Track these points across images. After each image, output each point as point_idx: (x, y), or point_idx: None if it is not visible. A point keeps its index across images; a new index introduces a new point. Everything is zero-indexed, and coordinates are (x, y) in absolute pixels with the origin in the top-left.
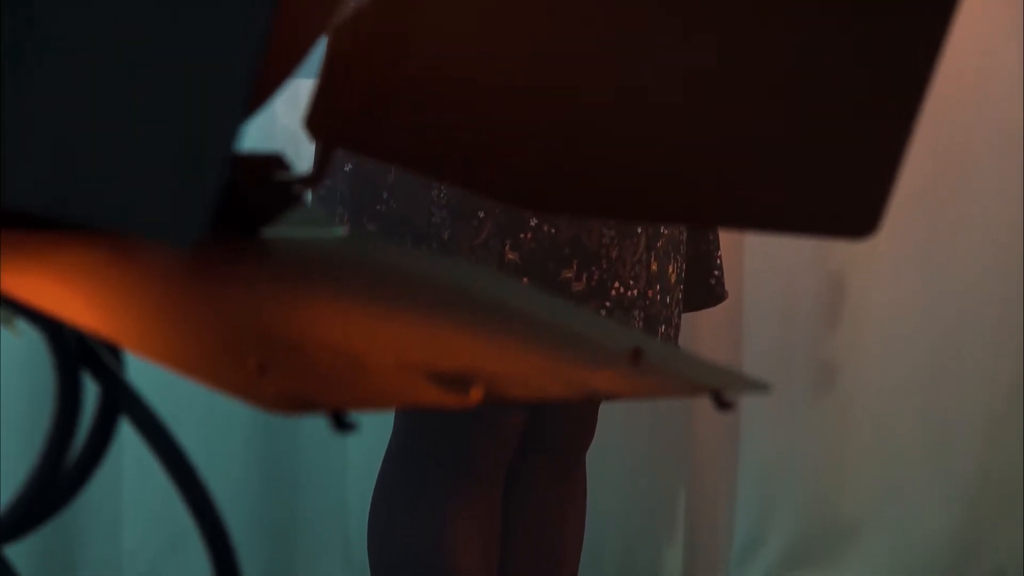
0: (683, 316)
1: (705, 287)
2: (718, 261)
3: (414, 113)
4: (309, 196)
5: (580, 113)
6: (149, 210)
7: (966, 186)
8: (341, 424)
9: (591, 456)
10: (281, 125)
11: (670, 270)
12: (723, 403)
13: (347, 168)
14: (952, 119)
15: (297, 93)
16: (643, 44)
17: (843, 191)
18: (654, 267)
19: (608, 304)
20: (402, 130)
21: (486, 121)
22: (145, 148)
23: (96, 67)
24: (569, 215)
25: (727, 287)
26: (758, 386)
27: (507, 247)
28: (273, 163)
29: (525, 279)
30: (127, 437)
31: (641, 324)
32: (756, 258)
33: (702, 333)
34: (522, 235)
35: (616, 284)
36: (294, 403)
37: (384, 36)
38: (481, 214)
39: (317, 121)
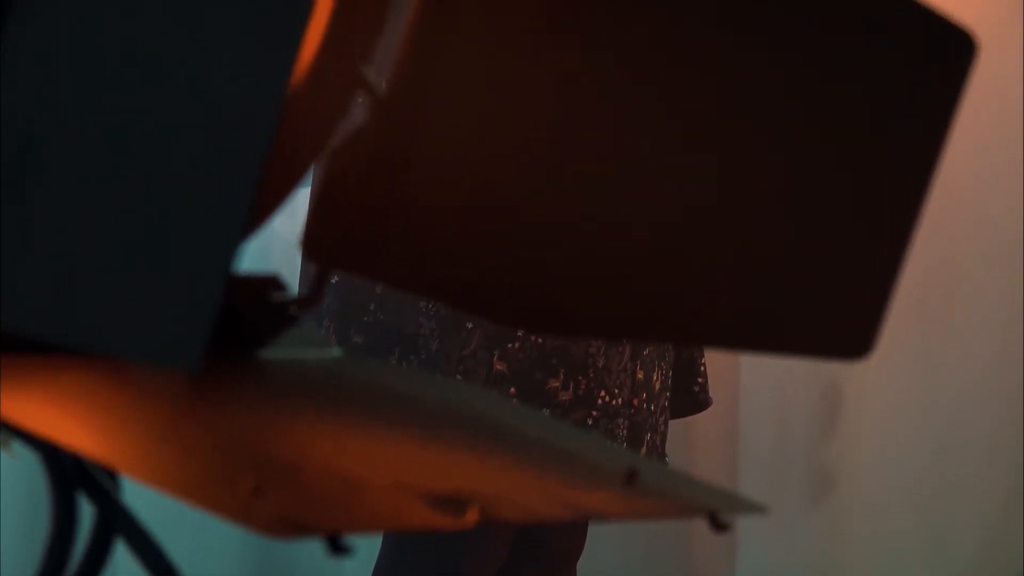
0: (679, 424)
1: (689, 395)
2: (702, 368)
3: (409, 236)
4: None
5: (575, 237)
6: (148, 335)
7: (961, 293)
8: (337, 547)
9: (583, 564)
10: (279, 235)
11: (655, 378)
12: (719, 524)
13: (334, 280)
14: (945, 225)
15: (295, 204)
16: (640, 169)
17: (837, 313)
18: (640, 375)
19: (594, 413)
20: (397, 252)
21: (481, 244)
22: (144, 274)
23: (95, 193)
24: (560, 335)
25: (722, 394)
26: (754, 507)
27: (495, 357)
28: (270, 284)
29: (513, 389)
30: (122, 553)
31: (626, 432)
32: (751, 366)
33: (698, 440)
34: (510, 345)
35: (602, 393)
36: (289, 526)
37: (381, 159)
38: (469, 325)
39: (313, 243)
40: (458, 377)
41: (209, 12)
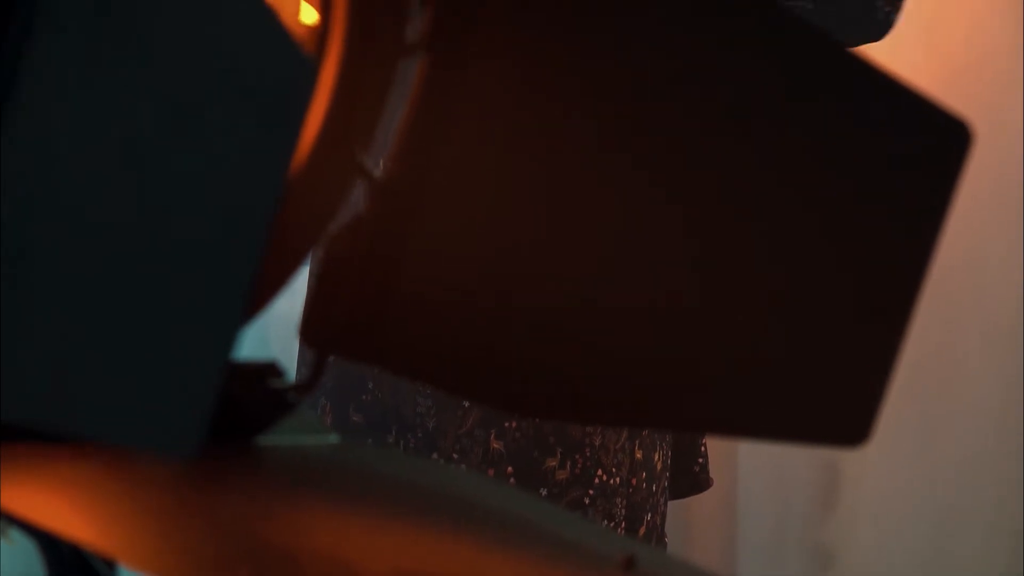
0: (677, 502)
1: (689, 475)
2: (703, 449)
3: (407, 323)
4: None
5: (573, 326)
6: (146, 424)
7: (958, 373)
8: None
9: None
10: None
11: (656, 458)
12: None
13: (330, 359)
14: (943, 306)
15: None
16: (639, 259)
17: (834, 401)
18: (638, 455)
19: (591, 492)
20: (395, 339)
21: (478, 332)
22: (142, 363)
23: (93, 283)
24: (557, 420)
25: (721, 472)
26: None
27: (492, 436)
28: (268, 371)
29: (510, 468)
30: None
31: (624, 511)
32: (750, 445)
33: (697, 520)
34: (507, 424)
35: (599, 472)
36: None
37: (379, 246)
38: (466, 403)
39: (311, 328)
40: (454, 456)
41: (208, 104)
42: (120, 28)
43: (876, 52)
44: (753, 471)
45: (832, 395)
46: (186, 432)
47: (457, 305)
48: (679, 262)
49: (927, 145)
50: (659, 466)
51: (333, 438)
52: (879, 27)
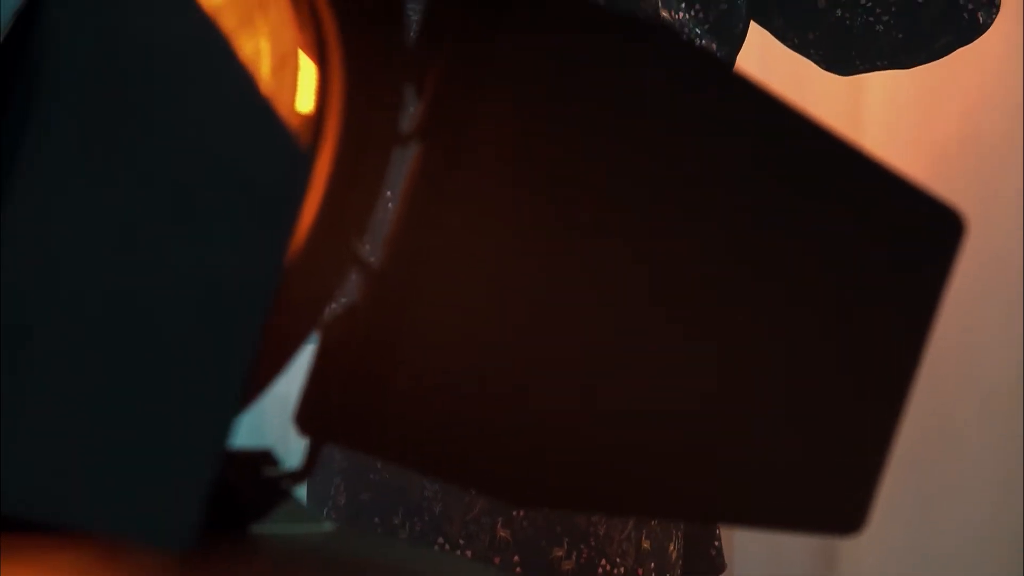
0: None
1: (706, 559)
2: (718, 531)
3: (403, 412)
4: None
5: (570, 417)
6: (140, 516)
7: (956, 451)
8: None
9: None
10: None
11: (671, 548)
12: None
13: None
14: (938, 377)
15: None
16: (636, 351)
17: (829, 490)
18: (646, 545)
19: None
20: (390, 428)
21: (475, 422)
22: (136, 453)
23: (89, 371)
24: (555, 510)
25: None
26: None
27: (499, 524)
28: (263, 459)
29: (516, 556)
30: None
31: None
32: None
33: None
34: (514, 513)
35: (603, 562)
36: None
37: (374, 335)
38: (473, 490)
39: (306, 416)
40: (461, 542)
41: (204, 193)
42: (117, 118)
43: (872, 128)
44: (748, 556)
45: (827, 485)
46: (181, 524)
47: (454, 393)
48: (679, 356)
49: (920, 234)
50: (673, 555)
51: (327, 526)
52: (970, 29)
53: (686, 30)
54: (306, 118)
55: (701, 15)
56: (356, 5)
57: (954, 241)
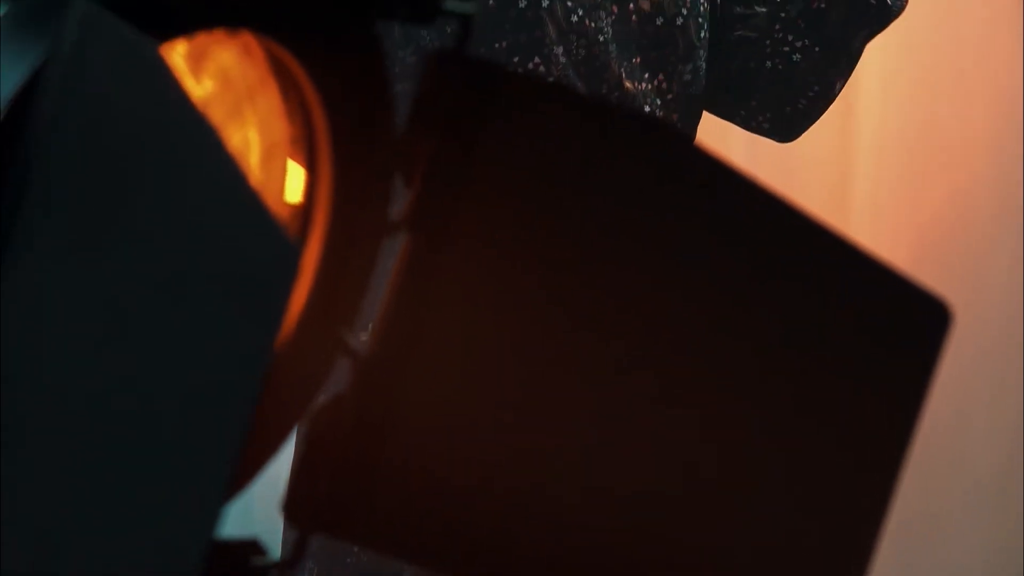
0: None
1: None
2: None
3: (389, 502)
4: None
5: (557, 505)
6: None
7: (942, 530)
8: None
9: None
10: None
11: None
12: None
13: None
14: (925, 463)
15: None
16: (622, 440)
17: (820, 569)
18: None
19: None
20: (377, 518)
21: (461, 512)
22: (124, 542)
23: (77, 458)
24: None
25: None
26: None
27: None
28: (250, 549)
29: None
30: None
31: None
32: None
33: None
34: None
35: None
36: None
37: (362, 424)
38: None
39: (295, 506)
40: None
41: (193, 284)
42: (108, 208)
43: (858, 208)
44: None
45: (819, 567)
46: None
47: (441, 483)
48: (665, 443)
49: (908, 324)
50: None
51: None
52: (879, 12)
53: (648, 100)
54: (295, 208)
55: (664, 85)
56: (345, 95)
57: (941, 331)
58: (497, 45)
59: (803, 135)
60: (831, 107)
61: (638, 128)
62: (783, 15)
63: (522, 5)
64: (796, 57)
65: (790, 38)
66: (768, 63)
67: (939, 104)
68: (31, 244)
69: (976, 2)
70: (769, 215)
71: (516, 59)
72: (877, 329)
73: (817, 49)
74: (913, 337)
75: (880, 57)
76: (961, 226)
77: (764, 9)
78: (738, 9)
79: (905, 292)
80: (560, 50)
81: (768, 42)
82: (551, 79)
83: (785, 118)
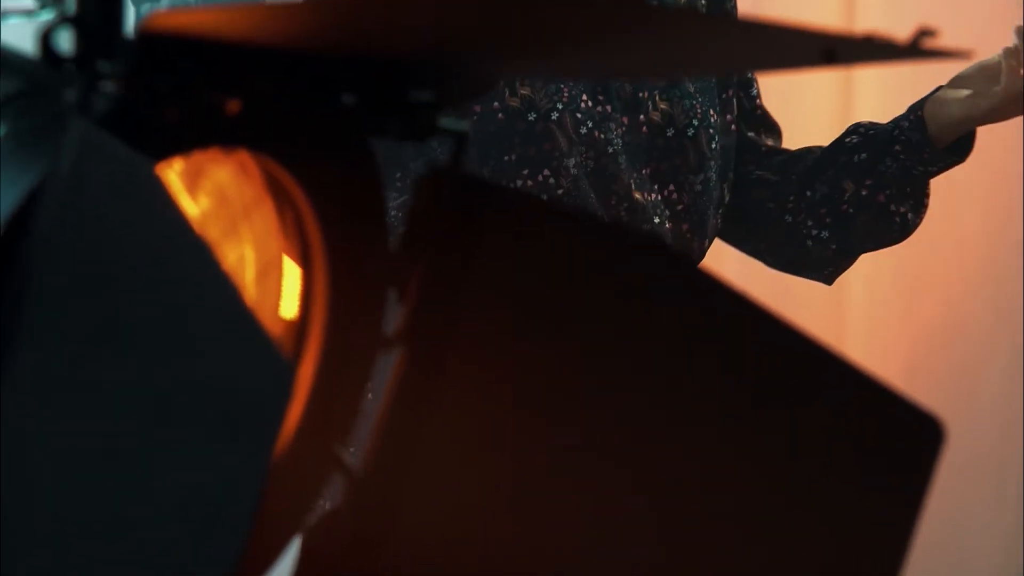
0: None
1: None
2: None
3: None
4: None
5: None
6: None
7: None
8: None
9: None
10: None
11: None
12: None
13: None
14: (923, 571)
15: None
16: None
17: None
18: None
19: None
20: None
21: None
22: None
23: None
24: None
25: None
26: None
27: None
28: None
29: None
30: None
31: None
32: None
33: None
34: None
35: None
36: None
37: (356, 540)
38: None
39: None
40: None
41: (188, 406)
42: (102, 328)
43: (854, 318)
44: None
45: None
46: None
47: None
48: (654, 546)
49: (901, 440)
50: None
51: None
52: (901, 230)
53: (657, 211)
54: (290, 324)
55: (675, 196)
56: (340, 212)
57: (934, 448)
58: (507, 158)
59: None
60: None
61: (631, 246)
62: (808, 193)
63: (531, 118)
64: (809, 243)
65: (809, 223)
66: (791, 219)
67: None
68: (27, 365)
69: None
70: (765, 334)
71: (526, 171)
72: (871, 446)
73: (833, 247)
74: (907, 454)
75: None
76: (955, 334)
77: (777, 178)
78: (754, 171)
79: (899, 409)
80: (571, 162)
81: (788, 211)
82: (547, 196)
83: (791, 270)
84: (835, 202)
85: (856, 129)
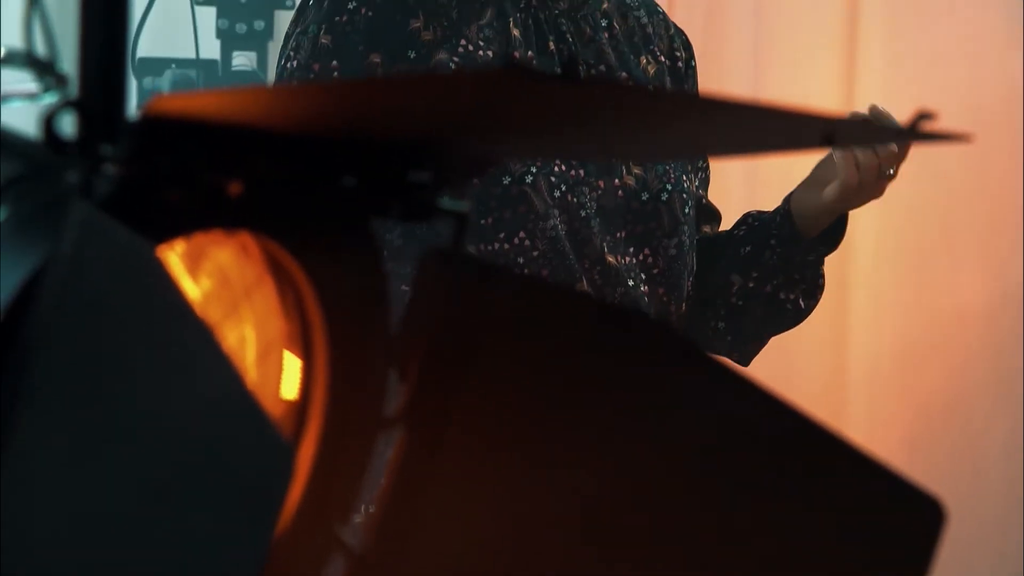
0: None
1: None
2: None
3: None
4: None
5: None
6: None
7: None
8: None
9: None
10: None
11: None
12: None
13: None
14: None
15: None
16: None
17: None
18: None
19: None
20: None
21: None
22: None
23: None
24: None
25: None
26: None
27: None
28: None
29: None
30: None
31: None
32: None
33: None
34: None
35: None
36: None
37: None
38: None
39: None
40: None
41: (188, 485)
42: (102, 409)
43: (856, 388)
44: None
45: None
46: None
47: None
48: None
49: (901, 523)
50: None
51: None
52: (795, 316)
53: (631, 275)
54: (290, 404)
55: (650, 260)
56: (340, 293)
57: (935, 530)
58: (483, 222)
59: (799, 321)
60: (827, 287)
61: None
62: (700, 287)
63: (506, 182)
64: (710, 333)
65: (707, 314)
66: (694, 308)
67: (932, 276)
68: (27, 447)
69: (955, 167)
70: (762, 413)
71: (502, 235)
72: (871, 529)
73: (729, 338)
74: (907, 536)
75: (875, 225)
76: (957, 405)
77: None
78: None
79: (899, 490)
80: (548, 224)
81: (694, 300)
82: (523, 258)
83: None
84: (725, 295)
85: (746, 219)
